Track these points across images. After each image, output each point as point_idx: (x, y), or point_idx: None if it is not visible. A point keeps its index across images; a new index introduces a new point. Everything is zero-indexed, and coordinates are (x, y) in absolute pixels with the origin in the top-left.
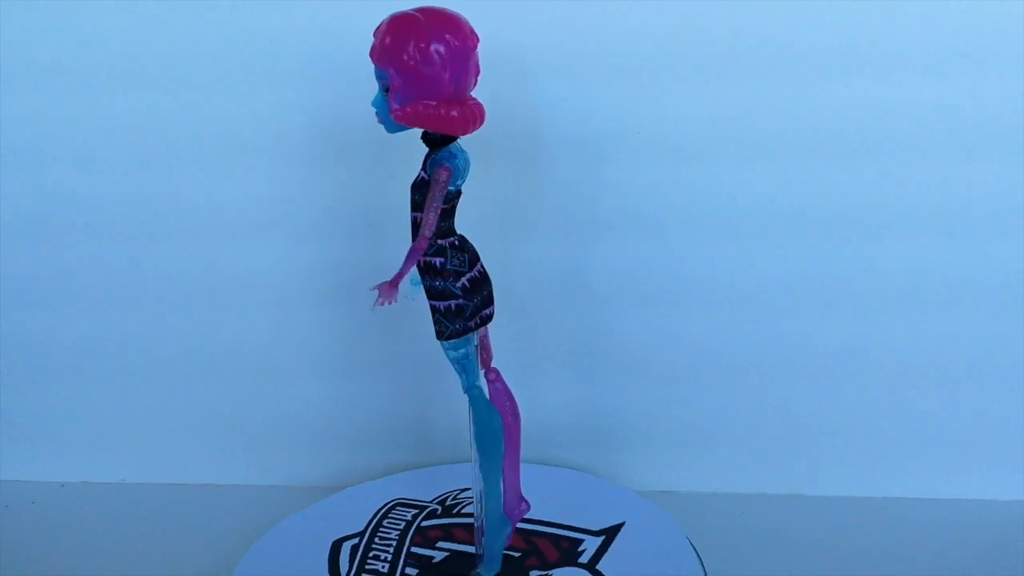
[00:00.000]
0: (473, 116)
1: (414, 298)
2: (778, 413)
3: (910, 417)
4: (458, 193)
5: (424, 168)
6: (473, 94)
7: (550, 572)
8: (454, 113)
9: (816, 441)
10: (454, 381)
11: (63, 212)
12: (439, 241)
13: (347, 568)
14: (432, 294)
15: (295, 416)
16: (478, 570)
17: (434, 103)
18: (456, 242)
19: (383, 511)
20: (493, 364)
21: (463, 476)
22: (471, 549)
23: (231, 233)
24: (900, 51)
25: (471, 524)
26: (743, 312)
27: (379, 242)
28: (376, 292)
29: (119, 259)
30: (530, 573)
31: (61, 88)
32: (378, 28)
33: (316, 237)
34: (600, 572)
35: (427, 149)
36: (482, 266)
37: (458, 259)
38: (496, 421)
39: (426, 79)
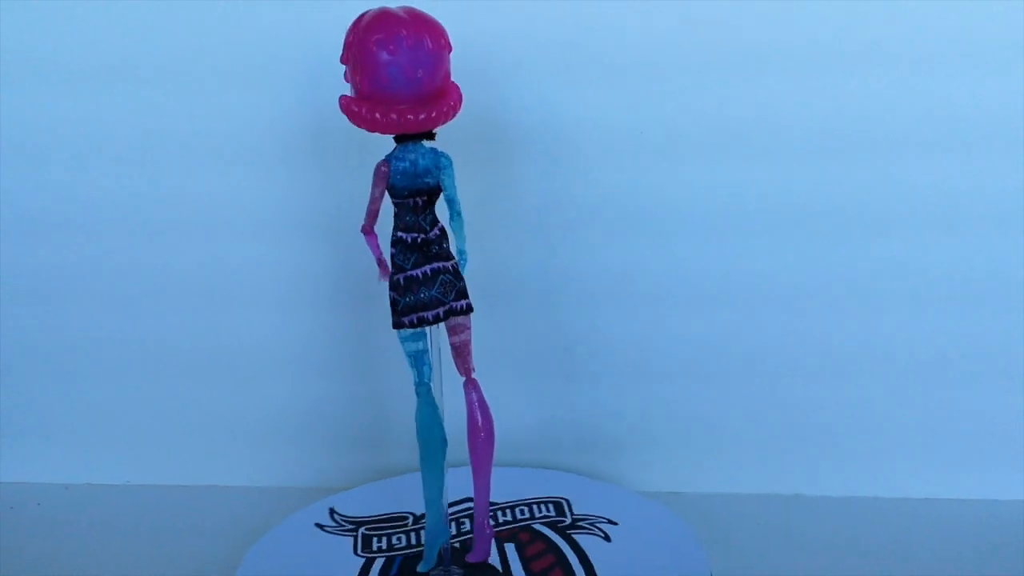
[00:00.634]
0: (379, 119)
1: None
2: (779, 413)
3: (910, 417)
4: (409, 193)
5: None
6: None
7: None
8: (355, 109)
9: (817, 441)
10: (457, 383)
11: (65, 211)
12: (398, 233)
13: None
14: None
15: (297, 418)
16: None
17: (354, 98)
18: (410, 240)
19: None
20: (474, 376)
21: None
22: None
23: (237, 233)
24: (898, 49)
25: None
26: (743, 311)
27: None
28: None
29: (122, 259)
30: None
31: (61, 87)
32: None
33: (321, 237)
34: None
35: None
36: (431, 271)
37: (403, 256)
38: (425, 433)
39: (348, 75)
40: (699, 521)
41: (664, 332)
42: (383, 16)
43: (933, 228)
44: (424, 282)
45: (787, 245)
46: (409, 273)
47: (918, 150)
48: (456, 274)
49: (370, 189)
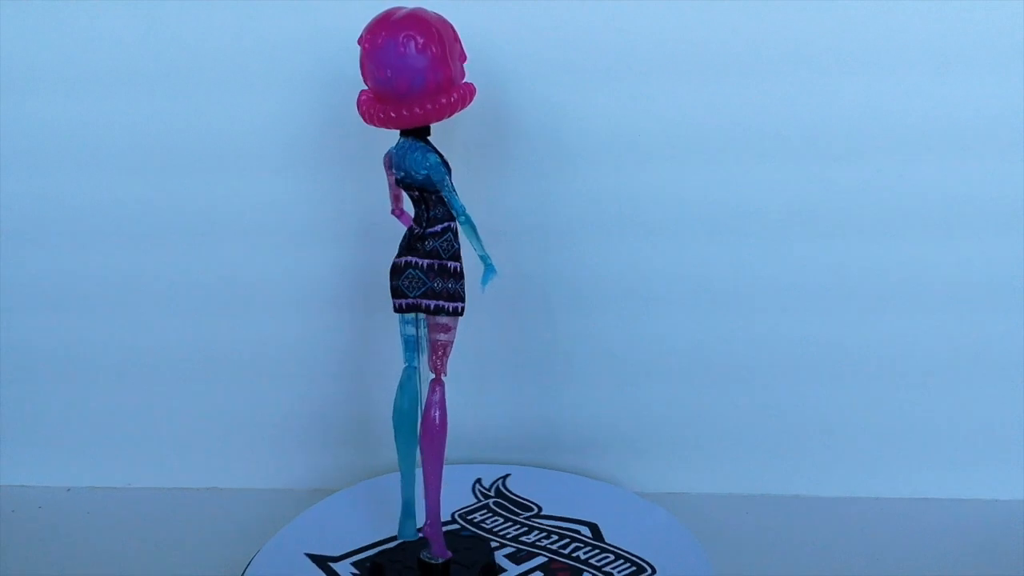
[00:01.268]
0: (363, 110)
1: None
2: (778, 413)
3: (910, 417)
4: (403, 185)
5: None
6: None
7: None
8: (359, 99)
9: (816, 441)
10: (458, 383)
11: (68, 215)
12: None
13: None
14: None
15: (300, 421)
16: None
17: (365, 90)
18: (407, 230)
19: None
20: (444, 378)
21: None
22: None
23: (238, 238)
24: (898, 51)
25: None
26: (743, 312)
27: (384, 245)
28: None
29: (123, 263)
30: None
31: (66, 92)
32: None
33: (323, 241)
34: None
35: None
36: (403, 263)
37: (400, 242)
38: (396, 405)
39: None
40: (699, 521)
41: (664, 332)
42: (378, 17)
43: (932, 230)
44: (395, 271)
45: (786, 246)
46: (395, 260)
47: (917, 152)
48: (433, 273)
49: None
